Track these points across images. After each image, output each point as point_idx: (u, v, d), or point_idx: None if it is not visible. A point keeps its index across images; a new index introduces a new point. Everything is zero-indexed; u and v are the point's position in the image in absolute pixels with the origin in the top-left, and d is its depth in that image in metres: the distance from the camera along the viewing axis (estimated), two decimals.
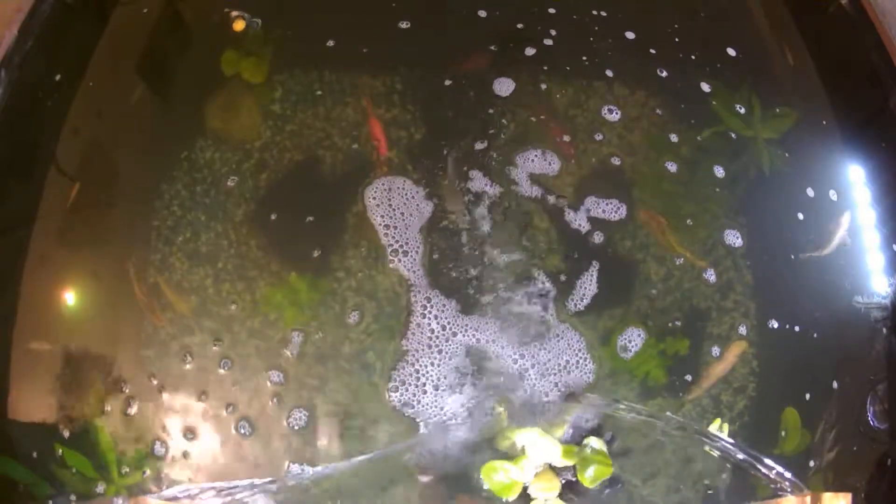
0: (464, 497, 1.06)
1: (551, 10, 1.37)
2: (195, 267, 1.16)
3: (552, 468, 1.06)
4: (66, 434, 1.09)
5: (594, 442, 1.06)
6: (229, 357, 1.12)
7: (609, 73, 1.33)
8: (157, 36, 1.37)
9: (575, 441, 1.08)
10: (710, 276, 1.19)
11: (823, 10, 1.51)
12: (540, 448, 1.05)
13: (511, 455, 1.07)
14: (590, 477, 1.04)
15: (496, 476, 1.04)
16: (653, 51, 1.37)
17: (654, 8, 1.46)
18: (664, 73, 1.35)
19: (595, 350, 1.13)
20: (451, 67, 1.31)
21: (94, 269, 1.20)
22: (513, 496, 1.05)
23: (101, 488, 1.07)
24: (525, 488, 1.05)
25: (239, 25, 1.32)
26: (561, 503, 1.05)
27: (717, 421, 1.13)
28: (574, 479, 1.05)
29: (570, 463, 1.05)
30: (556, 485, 1.05)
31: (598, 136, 1.28)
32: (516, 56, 1.33)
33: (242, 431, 1.09)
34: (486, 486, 1.05)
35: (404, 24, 1.33)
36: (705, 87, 1.35)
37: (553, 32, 1.36)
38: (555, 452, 1.05)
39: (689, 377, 1.15)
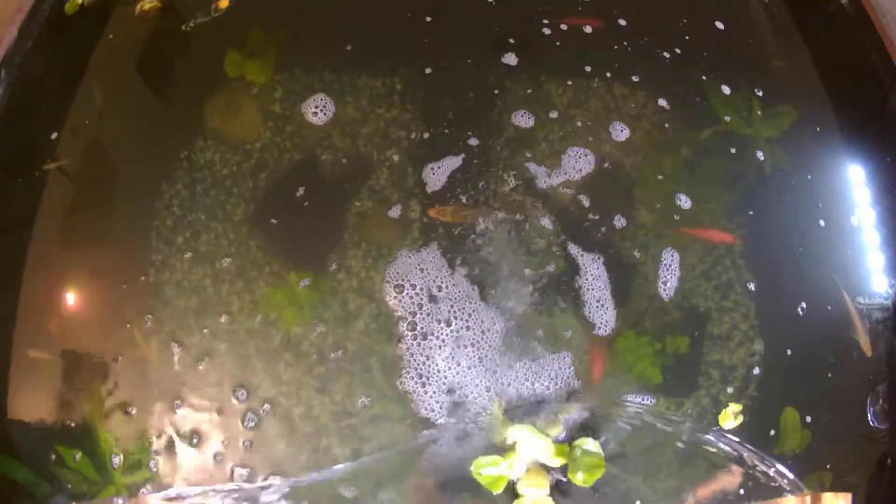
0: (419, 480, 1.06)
1: (545, 8, 1.38)
2: (195, 267, 1.16)
3: (542, 466, 1.06)
4: (66, 434, 1.09)
5: (588, 443, 1.06)
6: (229, 357, 1.12)
7: (609, 73, 1.33)
8: (158, 36, 1.37)
9: (570, 440, 1.08)
10: None
11: (823, 10, 1.51)
12: (530, 445, 1.05)
13: (504, 451, 1.07)
14: (581, 478, 1.04)
15: (485, 470, 1.04)
16: (653, 50, 1.37)
17: (654, 7, 1.46)
18: (664, 73, 1.35)
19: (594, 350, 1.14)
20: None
21: (94, 269, 1.20)
22: (499, 490, 1.04)
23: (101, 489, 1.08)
24: (513, 485, 1.05)
25: (224, 3, 1.34)
26: (550, 501, 1.05)
27: (740, 406, 1.13)
28: (564, 479, 1.05)
29: (560, 462, 1.05)
30: (544, 483, 1.05)
31: (599, 136, 1.28)
32: (515, 55, 1.33)
33: (242, 431, 1.09)
34: (478, 474, 1.05)
35: (403, 21, 1.34)
36: (705, 87, 1.35)
37: (553, 32, 1.36)
38: (545, 450, 1.05)
39: (686, 375, 1.15)
